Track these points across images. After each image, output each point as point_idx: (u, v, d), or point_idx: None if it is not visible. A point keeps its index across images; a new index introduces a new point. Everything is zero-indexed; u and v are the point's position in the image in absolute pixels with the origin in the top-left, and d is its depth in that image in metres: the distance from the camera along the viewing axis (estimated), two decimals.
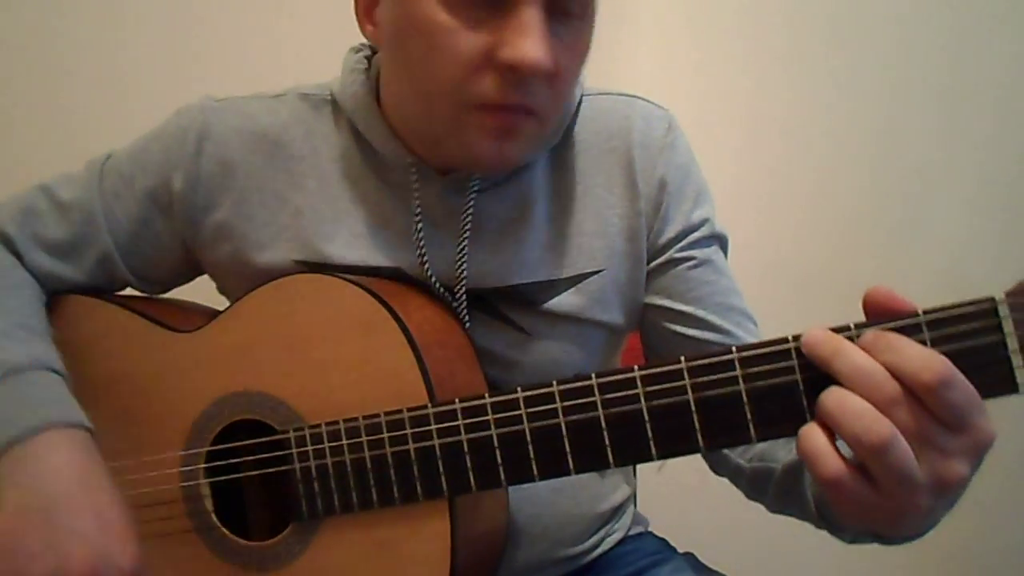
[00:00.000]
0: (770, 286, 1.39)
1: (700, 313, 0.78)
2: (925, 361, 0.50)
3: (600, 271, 0.77)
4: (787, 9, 1.44)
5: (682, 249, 0.79)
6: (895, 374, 0.51)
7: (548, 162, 0.78)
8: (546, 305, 0.76)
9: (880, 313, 0.54)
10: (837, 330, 0.54)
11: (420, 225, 0.74)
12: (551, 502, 0.79)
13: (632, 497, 0.92)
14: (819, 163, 1.46)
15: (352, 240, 0.75)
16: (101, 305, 0.78)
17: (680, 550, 0.90)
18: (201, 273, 0.84)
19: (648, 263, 0.79)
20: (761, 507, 0.79)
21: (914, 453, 0.50)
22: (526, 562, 0.79)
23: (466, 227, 0.74)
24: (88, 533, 0.58)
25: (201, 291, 0.85)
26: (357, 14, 0.71)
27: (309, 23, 1.33)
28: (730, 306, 0.79)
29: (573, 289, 0.77)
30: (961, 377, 0.50)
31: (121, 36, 1.32)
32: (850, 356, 0.52)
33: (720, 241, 0.82)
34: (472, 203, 0.74)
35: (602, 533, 0.86)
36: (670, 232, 0.78)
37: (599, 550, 0.85)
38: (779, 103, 1.44)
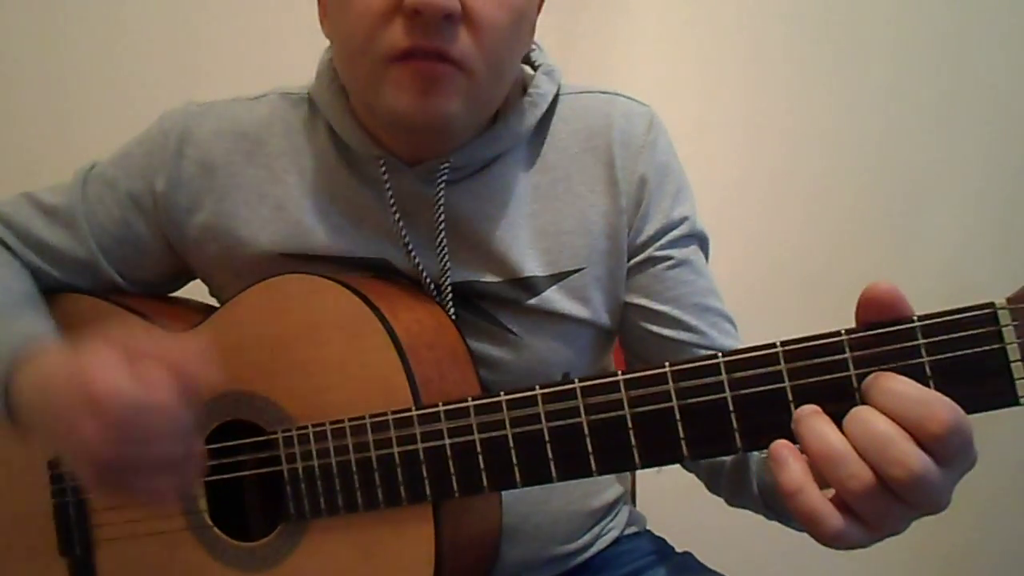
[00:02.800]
0: (771, 286, 1.40)
1: (676, 313, 0.78)
2: (929, 410, 0.47)
3: (581, 269, 0.77)
4: (787, 10, 1.43)
5: (661, 247, 0.78)
6: (896, 419, 0.48)
7: (526, 159, 0.78)
8: (530, 303, 0.76)
9: (876, 311, 0.51)
10: (825, 337, 0.52)
11: (398, 217, 0.74)
12: (542, 499, 0.79)
13: (625, 495, 0.91)
14: (820, 163, 1.45)
15: (334, 232, 0.76)
16: (96, 303, 0.79)
17: (679, 549, 0.89)
18: (193, 278, 0.85)
19: (628, 260, 0.79)
20: None
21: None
22: (519, 561, 0.78)
23: (440, 218, 0.74)
24: (74, 432, 0.58)
25: (200, 291, 0.86)
26: (319, 16, 0.73)
27: (308, 24, 1.34)
28: (706, 307, 0.79)
29: (556, 287, 0.77)
30: (965, 420, 0.48)
31: (121, 37, 1.33)
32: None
33: (700, 240, 0.81)
34: (442, 193, 0.74)
35: (596, 531, 0.85)
36: (649, 230, 0.78)
37: (594, 548, 0.85)
38: (780, 104, 1.44)
